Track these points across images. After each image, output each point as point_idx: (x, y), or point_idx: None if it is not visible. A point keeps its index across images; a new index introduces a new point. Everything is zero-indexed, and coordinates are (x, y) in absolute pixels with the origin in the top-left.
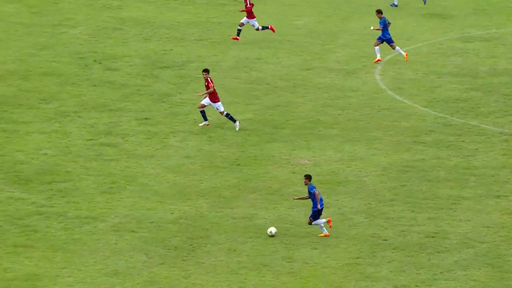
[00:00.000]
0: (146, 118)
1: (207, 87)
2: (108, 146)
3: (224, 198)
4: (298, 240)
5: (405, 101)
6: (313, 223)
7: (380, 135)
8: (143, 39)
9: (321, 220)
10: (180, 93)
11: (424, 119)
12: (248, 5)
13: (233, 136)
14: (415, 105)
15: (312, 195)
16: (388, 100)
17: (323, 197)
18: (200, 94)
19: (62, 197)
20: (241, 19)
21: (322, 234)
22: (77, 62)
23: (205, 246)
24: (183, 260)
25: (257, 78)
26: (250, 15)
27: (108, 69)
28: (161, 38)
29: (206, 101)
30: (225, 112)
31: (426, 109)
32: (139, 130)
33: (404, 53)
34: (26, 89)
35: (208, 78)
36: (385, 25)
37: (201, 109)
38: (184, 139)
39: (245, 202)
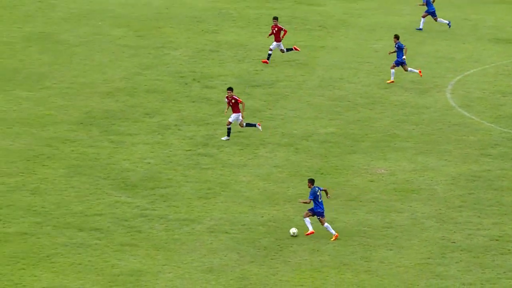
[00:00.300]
0: (239, 131)
1: (235, 105)
2: (205, 156)
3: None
4: (374, 242)
5: (473, 117)
6: (304, 219)
7: (450, 148)
8: (237, 60)
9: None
10: (270, 109)
11: (490, 134)
12: (275, 31)
13: (317, 148)
14: (482, 121)
15: (311, 198)
16: (458, 117)
17: (398, 203)
18: (242, 115)
19: (164, 201)
20: (270, 45)
21: (308, 232)
22: (177, 80)
23: (291, 246)
24: (271, 258)
25: (339, 95)
26: (277, 38)
27: (205, 87)
28: (253, 59)
29: (232, 118)
30: (244, 124)
31: (492, 125)
32: (232, 142)
33: (417, 71)
34: (132, 105)
35: (234, 96)
36: (399, 49)
37: (228, 126)
38: (273, 150)
39: (327, 207)
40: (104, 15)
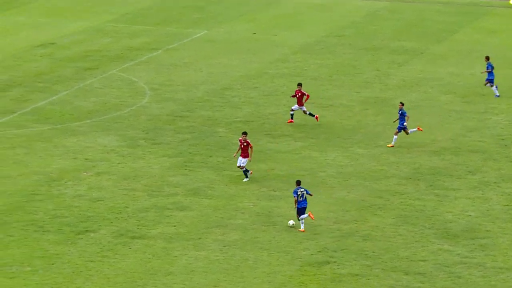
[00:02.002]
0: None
1: (245, 148)
2: None
3: None
4: None
5: None
6: (299, 217)
7: None
8: None
9: (303, 216)
10: None
11: None
12: (298, 96)
13: None
14: None
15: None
16: None
17: None
18: (250, 158)
19: (482, 250)
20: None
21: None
22: (498, 142)
23: None
24: None
25: None
26: (300, 102)
27: None
28: None
29: (240, 161)
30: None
31: None
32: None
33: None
34: (456, 163)
35: (248, 140)
36: (402, 115)
37: (243, 169)
38: None
39: None
40: (433, 83)
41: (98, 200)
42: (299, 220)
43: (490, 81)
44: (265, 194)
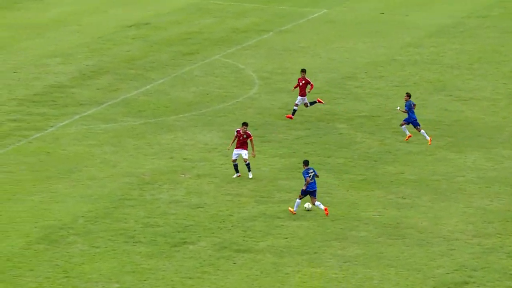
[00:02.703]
0: None
1: (244, 141)
2: None
3: None
4: None
5: None
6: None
7: None
8: None
9: (298, 201)
10: None
11: None
12: (301, 84)
13: None
14: None
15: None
16: None
17: None
18: (253, 153)
19: None
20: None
21: (291, 209)
22: None
23: None
24: None
25: None
26: (303, 92)
27: None
28: None
29: (236, 154)
30: (247, 161)
31: None
32: None
33: (428, 137)
34: None
35: (248, 132)
36: (410, 108)
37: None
38: None
39: None
40: None
41: (197, 207)
42: (298, 199)
43: None
44: (392, 201)
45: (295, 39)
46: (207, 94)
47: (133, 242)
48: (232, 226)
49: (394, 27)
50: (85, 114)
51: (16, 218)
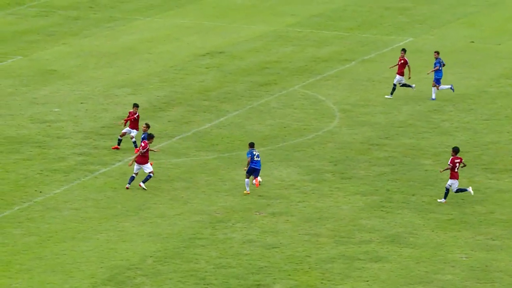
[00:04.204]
0: None
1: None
2: None
3: None
4: None
5: None
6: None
7: None
8: None
9: (247, 180)
10: None
11: None
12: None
13: None
14: None
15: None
16: None
17: None
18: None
19: None
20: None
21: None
22: None
23: None
24: None
25: None
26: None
27: None
28: None
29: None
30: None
31: None
32: None
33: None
34: None
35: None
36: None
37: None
38: None
39: None
40: None
41: (273, 247)
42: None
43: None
44: (481, 243)
45: (379, 69)
46: (285, 127)
47: (204, 284)
48: (309, 268)
49: (485, 57)
50: (155, 147)
51: (81, 258)
